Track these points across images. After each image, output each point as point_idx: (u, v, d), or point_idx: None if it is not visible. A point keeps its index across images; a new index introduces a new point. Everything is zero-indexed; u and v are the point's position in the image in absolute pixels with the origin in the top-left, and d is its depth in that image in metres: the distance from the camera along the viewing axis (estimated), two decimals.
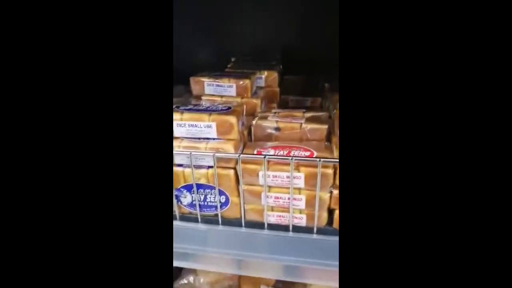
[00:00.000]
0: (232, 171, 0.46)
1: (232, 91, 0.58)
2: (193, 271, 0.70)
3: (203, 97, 0.59)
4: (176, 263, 0.53)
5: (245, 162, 0.45)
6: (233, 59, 0.79)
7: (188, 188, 0.48)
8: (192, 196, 0.49)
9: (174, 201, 0.49)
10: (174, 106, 0.50)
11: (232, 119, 0.46)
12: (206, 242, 0.50)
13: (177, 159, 0.48)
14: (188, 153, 0.45)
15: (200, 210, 0.49)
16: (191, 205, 0.50)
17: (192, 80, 0.60)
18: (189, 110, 0.48)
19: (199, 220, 0.50)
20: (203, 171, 0.47)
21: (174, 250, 0.51)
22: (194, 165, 0.46)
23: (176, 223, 0.50)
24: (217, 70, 0.65)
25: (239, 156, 0.44)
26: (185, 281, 0.70)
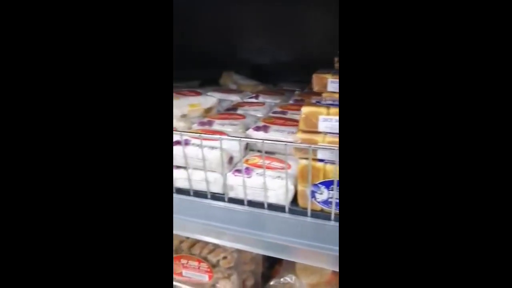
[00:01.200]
0: None
1: None
2: (293, 271, 0.69)
3: (323, 94, 0.58)
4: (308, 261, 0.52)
5: None
6: (336, 59, 0.77)
7: (327, 184, 0.47)
8: (329, 193, 0.47)
9: (308, 197, 0.48)
10: (315, 101, 0.49)
11: None
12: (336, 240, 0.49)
13: (319, 154, 0.47)
14: (334, 148, 0.44)
15: (335, 208, 0.48)
16: (326, 202, 0.48)
17: (315, 76, 0.59)
18: (334, 105, 0.47)
19: (332, 218, 0.48)
20: None
21: (299, 246, 0.50)
22: (336, 161, 0.45)
23: (305, 219, 0.49)
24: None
25: None
26: (284, 280, 0.69)
